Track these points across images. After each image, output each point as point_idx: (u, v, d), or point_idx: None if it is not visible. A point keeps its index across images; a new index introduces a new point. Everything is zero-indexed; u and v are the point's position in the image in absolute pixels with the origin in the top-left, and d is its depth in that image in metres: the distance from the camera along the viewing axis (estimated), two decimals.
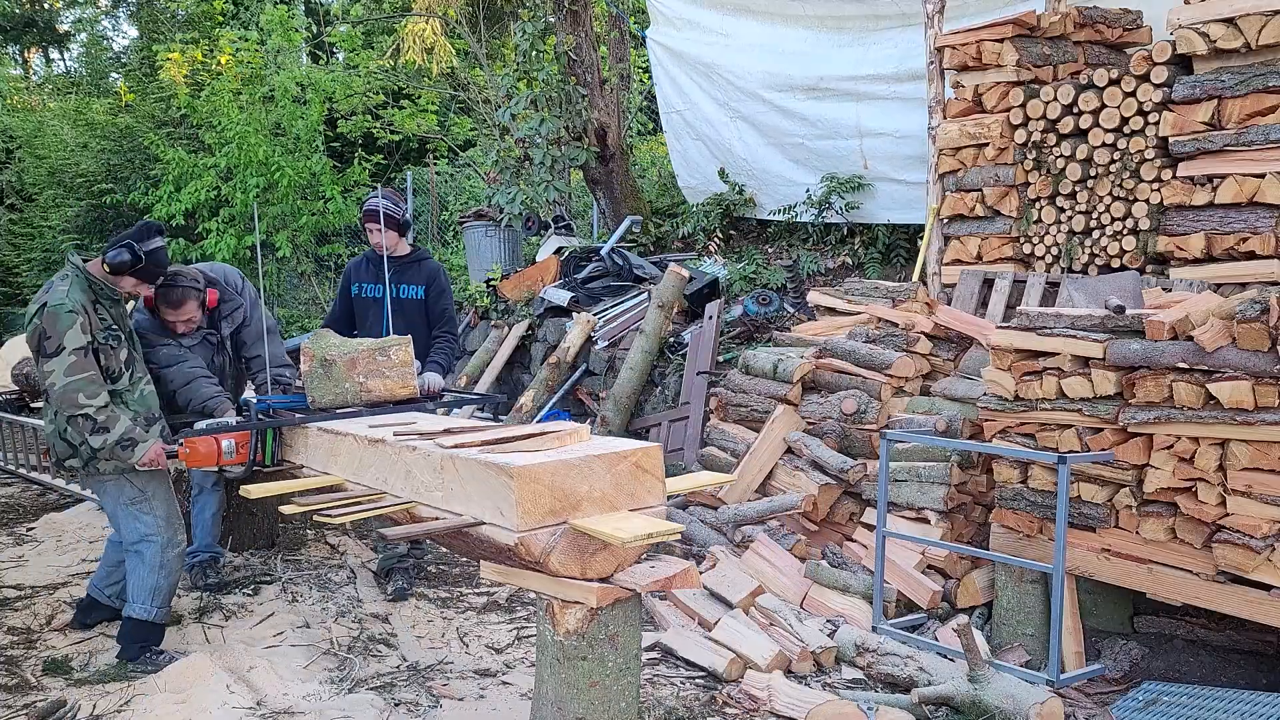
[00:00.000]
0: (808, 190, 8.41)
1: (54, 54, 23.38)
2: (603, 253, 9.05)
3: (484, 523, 3.06)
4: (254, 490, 3.78)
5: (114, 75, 20.37)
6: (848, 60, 7.95)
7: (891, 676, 4.09)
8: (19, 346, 9.05)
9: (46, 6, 22.08)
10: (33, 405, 8.04)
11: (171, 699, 3.80)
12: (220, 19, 15.74)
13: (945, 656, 4.18)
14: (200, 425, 4.28)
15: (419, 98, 14.29)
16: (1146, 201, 5.41)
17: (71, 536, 6.04)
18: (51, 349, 3.98)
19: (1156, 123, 5.31)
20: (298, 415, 4.25)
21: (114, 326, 4.17)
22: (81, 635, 4.49)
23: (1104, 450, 4.07)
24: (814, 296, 6.56)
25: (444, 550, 5.59)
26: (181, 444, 4.13)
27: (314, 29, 15.77)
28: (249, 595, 4.96)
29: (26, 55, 22.84)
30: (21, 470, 7.33)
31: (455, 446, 3.25)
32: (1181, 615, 4.35)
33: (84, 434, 4.03)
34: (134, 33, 21.86)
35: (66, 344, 3.96)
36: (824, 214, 8.35)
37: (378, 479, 3.62)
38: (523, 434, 3.32)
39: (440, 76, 14.40)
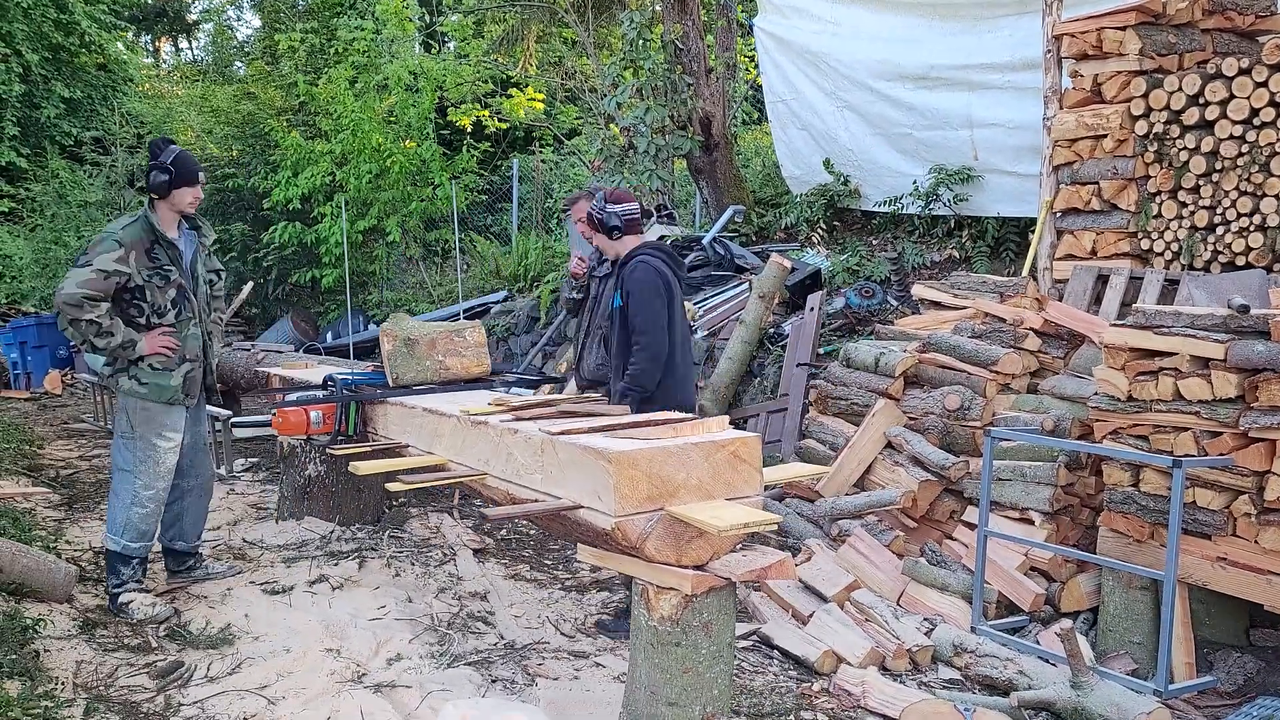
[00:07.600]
0: (915, 182, 8.26)
1: (182, 43, 24.42)
2: (704, 242, 9.04)
3: (582, 506, 3.11)
4: (362, 468, 3.90)
5: (238, 64, 21.15)
6: (959, 49, 7.79)
7: (989, 678, 4.01)
8: None
9: None
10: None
11: (280, 664, 3.97)
12: (338, 8, 16.18)
13: (1046, 661, 4.09)
14: (291, 397, 4.72)
15: (526, 87, 14.47)
16: (1276, 197, 5.17)
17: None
18: (81, 261, 4.30)
19: None
20: (379, 390, 4.65)
21: (167, 267, 4.44)
22: (197, 598, 4.70)
23: (1222, 455, 3.91)
24: (919, 290, 6.45)
25: (544, 532, 5.69)
26: (274, 413, 4.54)
27: (427, 18, 16.09)
28: (356, 568, 5.13)
29: (157, 44, 23.90)
30: None
31: (560, 433, 3.30)
32: None
33: (88, 336, 4.28)
34: (257, 22, 22.67)
35: (95, 262, 4.27)
36: (931, 206, 8.19)
37: (480, 460, 3.71)
38: (631, 421, 3.35)
39: (548, 66, 14.56)
